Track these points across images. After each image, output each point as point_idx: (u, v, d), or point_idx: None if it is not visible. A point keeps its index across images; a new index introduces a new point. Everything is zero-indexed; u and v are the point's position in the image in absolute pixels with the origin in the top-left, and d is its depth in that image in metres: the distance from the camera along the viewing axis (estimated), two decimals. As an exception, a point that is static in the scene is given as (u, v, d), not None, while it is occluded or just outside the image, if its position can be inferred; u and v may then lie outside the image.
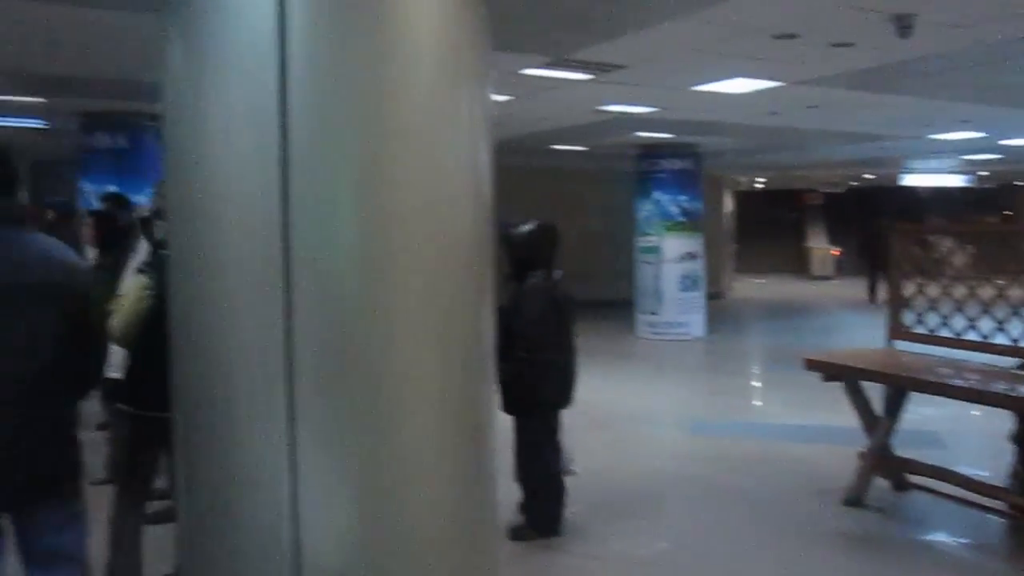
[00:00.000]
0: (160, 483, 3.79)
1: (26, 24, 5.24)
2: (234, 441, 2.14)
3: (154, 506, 3.81)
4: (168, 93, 2.29)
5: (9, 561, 2.45)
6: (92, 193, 8.28)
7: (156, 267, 3.35)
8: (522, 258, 4.50)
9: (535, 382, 4.41)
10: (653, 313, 12.51)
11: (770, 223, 25.06)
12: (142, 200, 6.62)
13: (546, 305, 4.48)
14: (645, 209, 12.67)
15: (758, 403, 9.00)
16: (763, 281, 22.29)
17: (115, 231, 5.08)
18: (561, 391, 4.60)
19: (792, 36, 5.26)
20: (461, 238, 2.29)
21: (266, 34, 2.01)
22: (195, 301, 2.23)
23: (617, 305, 13.24)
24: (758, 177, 22.42)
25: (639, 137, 11.44)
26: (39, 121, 9.76)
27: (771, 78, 6.80)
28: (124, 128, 8.85)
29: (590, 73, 6.52)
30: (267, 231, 2.04)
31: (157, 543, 3.54)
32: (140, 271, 3.39)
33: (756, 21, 4.96)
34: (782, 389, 8.72)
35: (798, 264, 24.36)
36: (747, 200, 24.22)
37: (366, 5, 2.10)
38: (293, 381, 2.06)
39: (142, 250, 3.84)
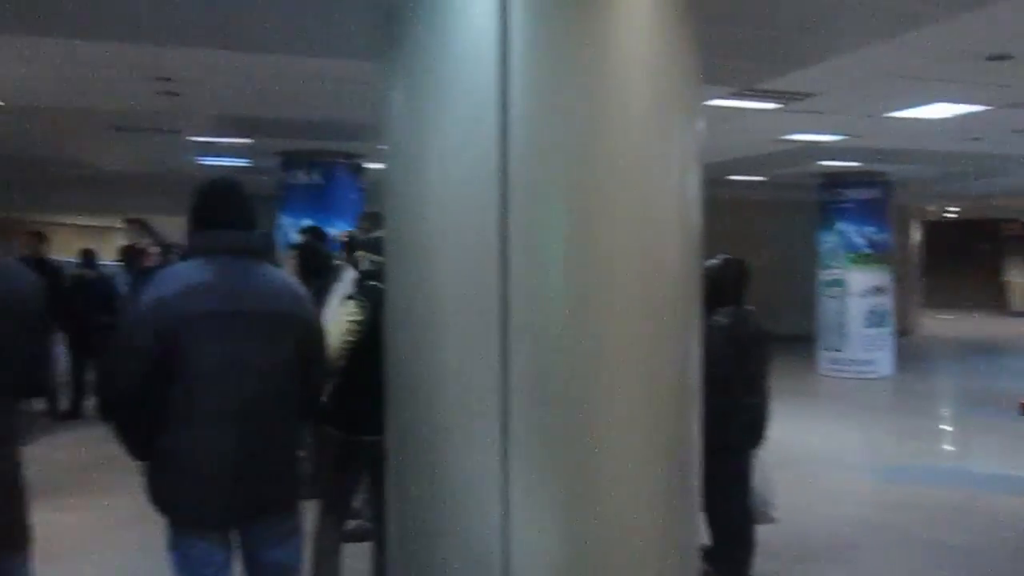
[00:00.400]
0: (356, 503, 3.98)
1: (243, 73, 5.73)
2: (448, 465, 2.21)
3: (351, 525, 4.00)
4: (388, 134, 2.42)
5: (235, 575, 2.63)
6: (290, 226, 8.87)
7: (363, 296, 3.54)
8: (709, 294, 4.39)
9: (721, 422, 4.26)
10: (837, 350, 11.91)
11: (962, 255, 23.36)
12: (338, 232, 7.05)
13: (730, 344, 4.34)
14: (828, 240, 12.13)
15: (956, 448, 8.33)
16: (953, 317, 20.75)
17: (316, 262, 5.39)
18: (750, 432, 4.42)
19: (1005, 57, 4.91)
20: (669, 270, 2.28)
21: (487, 76, 2.09)
22: (411, 331, 2.32)
23: (796, 341, 12.69)
24: (949, 206, 20.97)
25: (822, 166, 11.00)
26: (244, 160, 10.59)
27: (977, 102, 6.37)
28: (319, 166, 9.46)
29: (777, 102, 6.35)
30: (484, 264, 2.11)
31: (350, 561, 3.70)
32: (349, 299, 3.58)
33: (966, 43, 4.67)
34: (983, 434, 8.05)
35: (994, 299, 22.53)
36: (936, 230, 22.70)
37: (586, 41, 2.14)
38: (507, 409, 2.11)
39: (347, 279, 4.05)
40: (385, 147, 2.43)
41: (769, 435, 4.89)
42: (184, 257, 2.50)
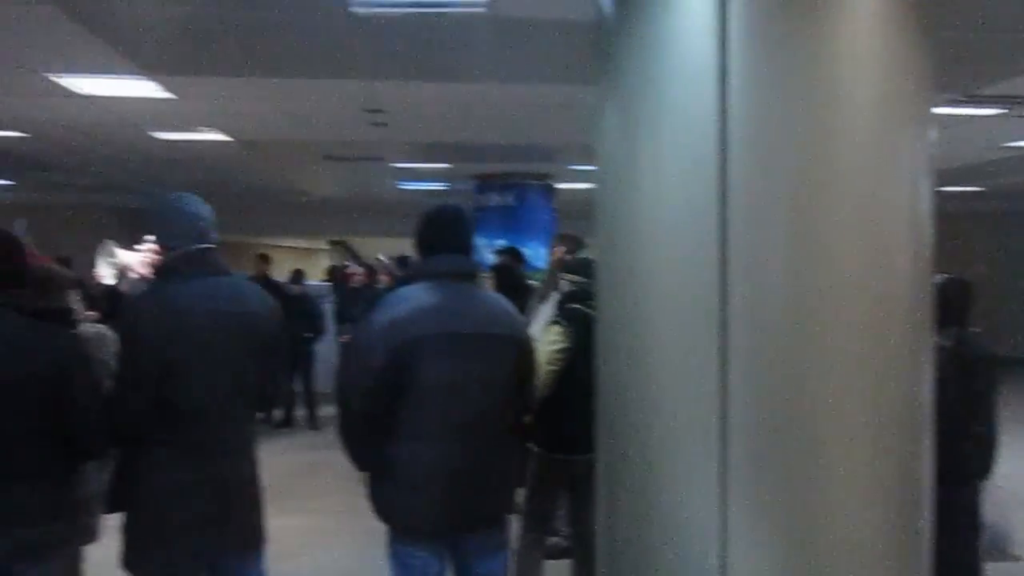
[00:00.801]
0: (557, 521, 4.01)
1: (447, 102, 6.00)
2: (662, 491, 2.18)
3: (551, 541, 4.04)
4: (601, 155, 2.44)
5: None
6: (484, 248, 9.15)
7: (566, 320, 3.58)
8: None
9: (946, 450, 3.95)
10: (1073, 375, 10.74)
11: None
12: (545, 253, 7.19)
13: (954, 367, 4.02)
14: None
15: None
16: None
17: (513, 283, 5.51)
18: (977, 461, 4.08)
19: None
20: (898, 293, 2.15)
21: (705, 95, 2.05)
22: (624, 354, 2.32)
23: (1020, 363, 11.57)
24: None
25: (1050, 174, 10.03)
26: (441, 183, 11.06)
27: None
28: (512, 188, 9.71)
29: (1002, 107, 5.85)
30: (702, 287, 2.07)
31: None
32: (553, 322, 3.64)
33: None
34: None
35: None
36: None
37: (807, 59, 2.06)
38: (725, 434, 2.05)
39: (551, 302, 4.11)
40: (597, 167, 2.45)
41: (1003, 468, 4.48)
42: (408, 281, 2.64)
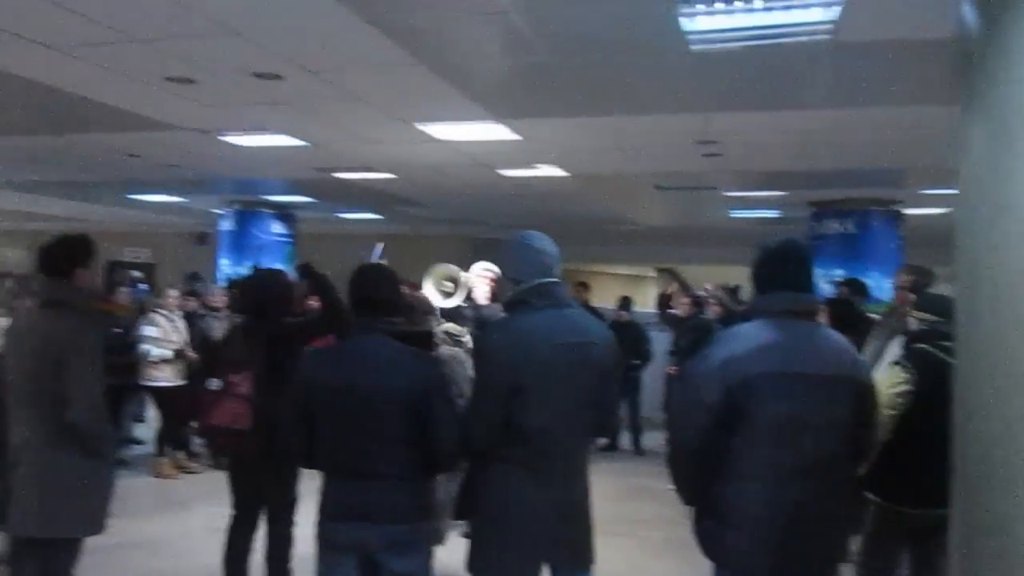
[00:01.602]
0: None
1: (783, 129, 5.85)
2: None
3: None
4: (965, 180, 2.27)
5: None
6: (821, 278, 8.69)
7: (910, 362, 3.32)
8: None
9: None
10: None
11: None
12: (872, 284, 6.72)
13: None
14: None
15: None
16: None
17: (851, 318, 5.18)
18: None
19: None
20: None
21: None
22: (989, 406, 2.12)
23: None
24: None
25: None
26: (774, 211, 10.72)
27: None
28: (852, 214, 9.14)
29: None
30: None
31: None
32: (897, 363, 3.39)
33: None
34: None
35: None
36: None
37: None
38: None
39: (895, 341, 3.84)
40: (957, 190, 2.27)
41: None
42: (746, 317, 2.63)
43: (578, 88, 4.85)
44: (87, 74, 4.79)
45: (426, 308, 3.67)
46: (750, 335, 2.48)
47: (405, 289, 3.71)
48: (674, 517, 2.94)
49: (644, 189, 9.21)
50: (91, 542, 3.39)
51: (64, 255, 3.40)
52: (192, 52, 4.33)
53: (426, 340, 3.46)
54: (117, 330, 6.73)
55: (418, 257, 14.72)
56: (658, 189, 9.07)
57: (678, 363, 7.21)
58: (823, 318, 5.27)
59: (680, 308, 7.88)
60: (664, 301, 8.34)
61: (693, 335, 6.97)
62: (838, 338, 2.58)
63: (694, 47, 3.90)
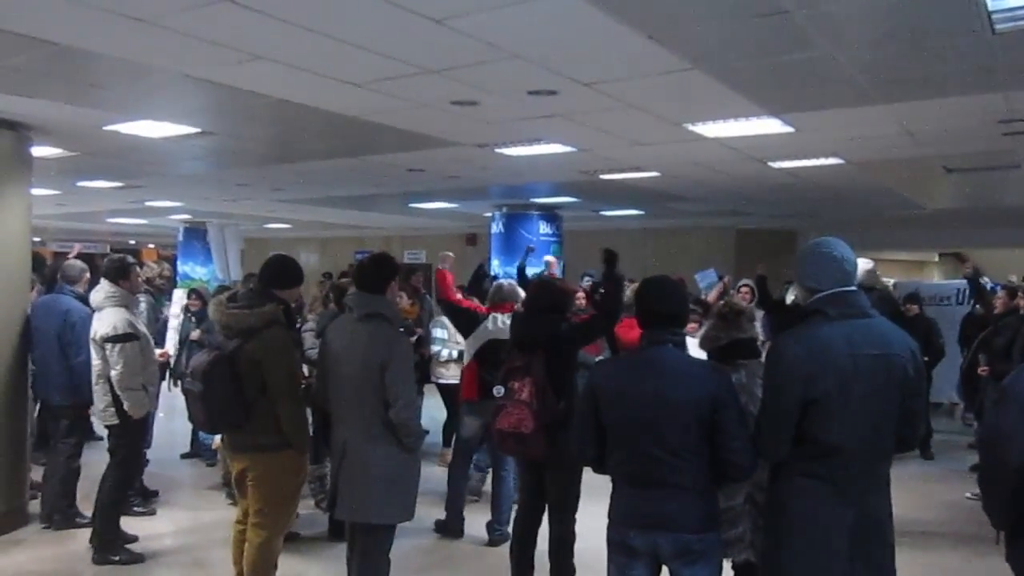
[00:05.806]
0: None
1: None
2: None
3: None
4: None
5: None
6: None
7: None
8: None
9: None
10: None
11: None
12: None
13: None
14: None
15: None
16: None
17: None
18: None
19: None
20: None
21: None
22: None
23: None
24: None
25: None
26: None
27: None
28: None
29: None
30: None
31: None
32: None
33: None
34: None
35: None
36: None
37: None
38: None
39: None
40: None
41: None
42: None
43: (861, 78, 4.58)
44: (383, 103, 5.26)
45: (751, 315, 3.66)
46: None
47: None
48: (977, 533, 2.74)
49: (932, 172, 8.49)
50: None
51: (378, 272, 3.82)
52: (476, 77, 4.62)
53: (751, 347, 3.47)
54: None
55: (682, 249, 14.64)
56: (949, 172, 8.32)
57: (989, 363, 6.53)
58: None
59: (996, 302, 7.03)
60: (983, 296, 7.39)
61: (1010, 334, 6.30)
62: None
63: (1000, 26, 3.56)
